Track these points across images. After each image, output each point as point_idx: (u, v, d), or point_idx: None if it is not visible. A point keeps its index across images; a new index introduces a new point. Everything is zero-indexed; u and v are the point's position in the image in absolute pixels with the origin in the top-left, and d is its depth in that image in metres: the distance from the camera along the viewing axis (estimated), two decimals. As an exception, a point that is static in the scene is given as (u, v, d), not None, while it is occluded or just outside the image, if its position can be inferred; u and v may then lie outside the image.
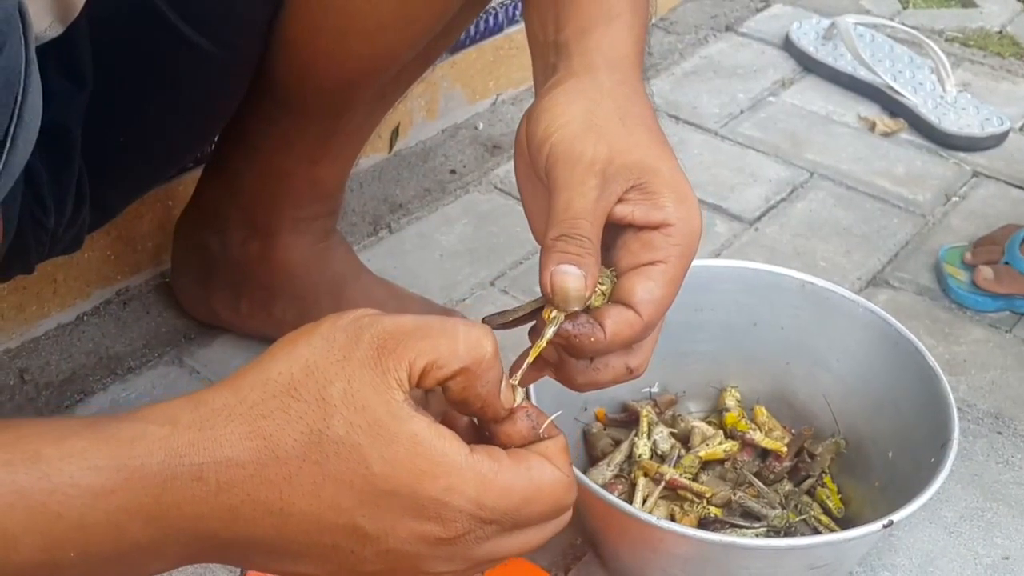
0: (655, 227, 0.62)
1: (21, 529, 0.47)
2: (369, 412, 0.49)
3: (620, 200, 0.62)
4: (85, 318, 1.13)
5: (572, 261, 0.60)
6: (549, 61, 0.69)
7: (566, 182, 0.62)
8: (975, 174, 1.43)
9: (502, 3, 1.44)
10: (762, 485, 0.93)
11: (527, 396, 0.57)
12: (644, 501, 0.91)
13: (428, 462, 0.49)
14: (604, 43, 0.68)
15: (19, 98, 0.51)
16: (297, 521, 0.49)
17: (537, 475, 0.52)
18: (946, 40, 1.73)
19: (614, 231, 0.64)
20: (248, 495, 0.49)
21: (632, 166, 0.62)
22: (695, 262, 0.96)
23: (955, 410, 0.86)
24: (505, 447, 0.54)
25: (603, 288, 0.61)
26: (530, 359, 0.61)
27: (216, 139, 1.05)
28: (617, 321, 0.61)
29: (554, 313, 0.60)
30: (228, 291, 1.08)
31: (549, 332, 0.60)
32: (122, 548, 0.49)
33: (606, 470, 0.93)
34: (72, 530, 0.48)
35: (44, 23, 0.73)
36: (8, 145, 0.51)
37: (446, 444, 0.50)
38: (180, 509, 0.48)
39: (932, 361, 0.90)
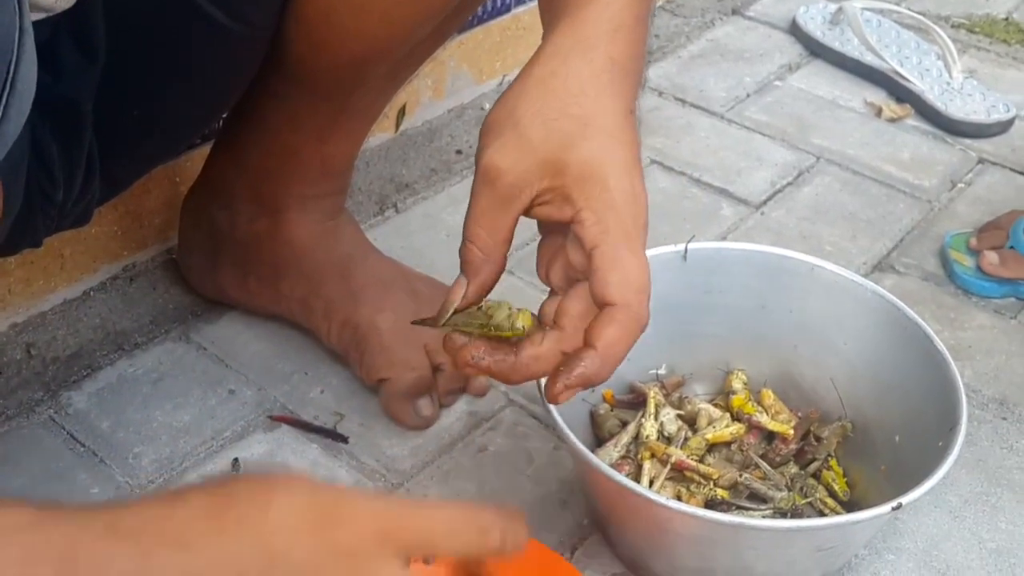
0: (571, 221, 0.64)
1: None
2: None
3: (540, 203, 0.64)
4: (92, 294, 1.13)
5: (462, 269, 0.66)
6: (544, 19, 0.72)
7: (471, 189, 0.66)
8: (981, 160, 1.43)
9: (510, -17, 1.44)
10: (768, 467, 0.94)
11: None
12: (651, 483, 0.91)
13: None
14: (559, 35, 0.68)
15: (12, 67, 0.51)
16: (205, 554, 0.48)
17: None
18: (952, 26, 1.73)
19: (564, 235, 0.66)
20: (156, 534, 0.48)
21: (533, 170, 0.64)
22: (704, 244, 0.98)
23: (963, 394, 0.86)
24: None
25: (519, 324, 0.66)
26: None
27: (226, 116, 1.05)
28: (604, 329, 0.63)
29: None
30: (235, 268, 1.08)
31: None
32: None
33: (613, 451, 0.94)
34: None
35: None
36: (1, 115, 0.51)
37: None
38: (89, 552, 0.47)
39: (940, 345, 0.90)
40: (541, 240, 0.71)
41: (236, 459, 0.97)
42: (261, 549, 0.48)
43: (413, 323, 0.74)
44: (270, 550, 0.48)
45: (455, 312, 0.68)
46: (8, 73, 0.50)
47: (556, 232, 0.69)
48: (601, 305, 0.63)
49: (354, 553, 0.49)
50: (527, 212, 0.67)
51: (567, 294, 0.68)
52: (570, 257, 0.67)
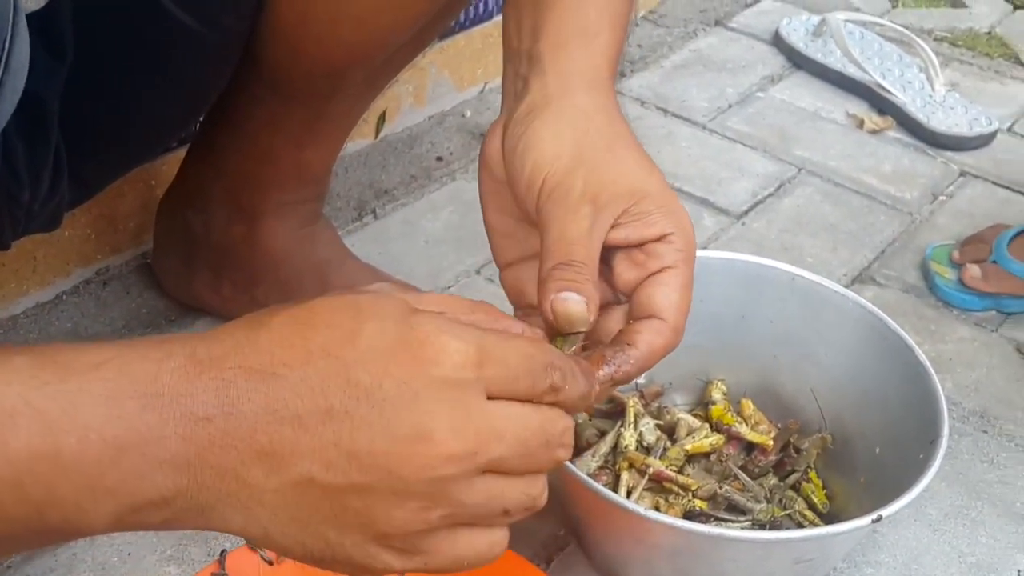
0: (654, 240, 0.63)
1: (18, 401, 0.45)
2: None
3: (613, 227, 0.63)
4: (64, 297, 1.11)
5: (571, 288, 0.60)
6: (520, 71, 0.69)
7: (559, 215, 0.62)
8: (962, 173, 1.43)
9: (492, -10, 1.43)
10: (748, 479, 0.93)
11: None
12: (629, 493, 0.90)
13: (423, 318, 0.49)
14: (581, 63, 0.67)
15: (7, 45, 0.50)
16: (289, 383, 0.47)
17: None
18: (935, 40, 1.73)
19: (610, 255, 0.64)
20: (239, 364, 0.47)
21: (623, 193, 0.63)
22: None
23: (945, 407, 0.85)
24: None
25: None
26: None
27: (202, 119, 1.04)
28: (647, 334, 0.62)
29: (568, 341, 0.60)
30: (210, 273, 1.07)
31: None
32: (120, 435, 0.46)
33: (591, 460, 0.92)
34: (67, 408, 0.46)
35: None
36: None
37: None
38: (175, 387, 0.47)
39: (922, 357, 0.89)
40: None
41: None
42: (348, 381, 0.47)
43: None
44: (358, 383, 0.47)
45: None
46: (3, 51, 0.50)
47: None
48: (648, 314, 0.63)
49: (448, 385, 0.48)
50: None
51: (608, 314, 0.66)
52: (618, 275, 0.65)
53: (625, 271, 0.64)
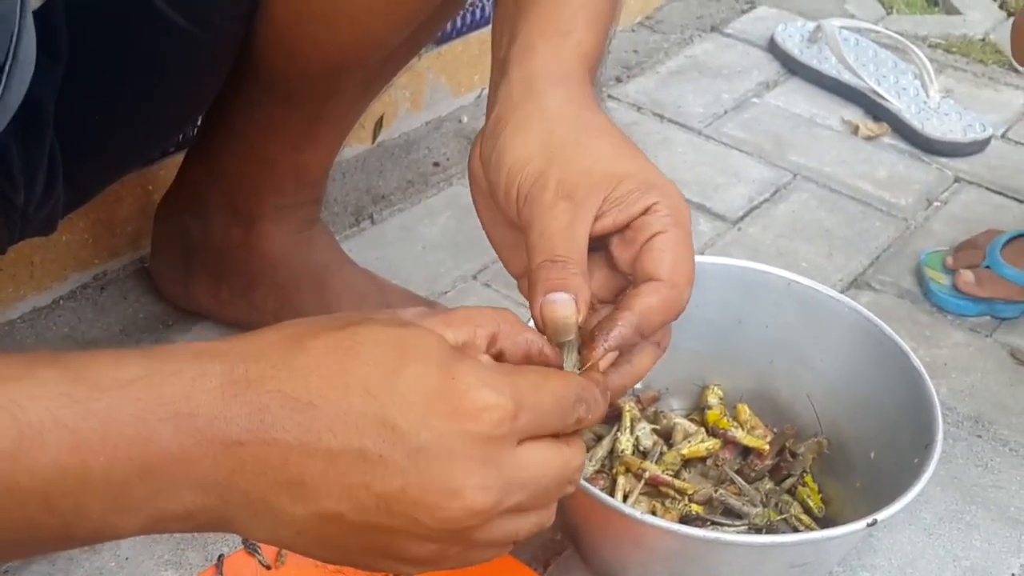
0: (641, 215, 0.62)
1: (47, 417, 0.45)
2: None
3: (598, 217, 0.62)
4: (61, 302, 1.12)
5: (558, 287, 0.59)
6: (495, 79, 0.69)
7: (538, 215, 0.62)
8: (957, 179, 1.44)
9: (488, -4, 1.44)
10: (744, 483, 0.93)
11: None
12: (625, 497, 0.90)
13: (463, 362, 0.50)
14: (547, 64, 0.67)
15: (14, 37, 0.51)
16: (325, 415, 0.47)
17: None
18: (929, 46, 1.74)
19: (605, 240, 0.64)
20: (277, 389, 0.47)
21: (599, 180, 0.63)
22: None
23: (939, 412, 0.85)
24: None
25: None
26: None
27: (199, 123, 1.04)
28: (642, 296, 0.60)
29: (569, 353, 0.59)
30: (208, 277, 1.07)
31: (569, 363, 0.59)
32: (150, 456, 0.46)
33: (588, 465, 0.93)
34: (98, 427, 0.46)
35: None
36: (3, 83, 0.50)
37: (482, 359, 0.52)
38: (209, 408, 0.47)
39: (917, 362, 0.90)
40: None
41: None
42: (384, 425, 0.47)
43: None
44: (395, 428, 0.47)
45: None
46: (11, 43, 0.50)
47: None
48: (646, 280, 0.61)
49: (484, 441, 0.48)
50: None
51: (594, 281, 0.65)
52: (616, 256, 0.64)
53: (621, 253, 0.63)
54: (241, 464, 0.47)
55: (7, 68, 0.50)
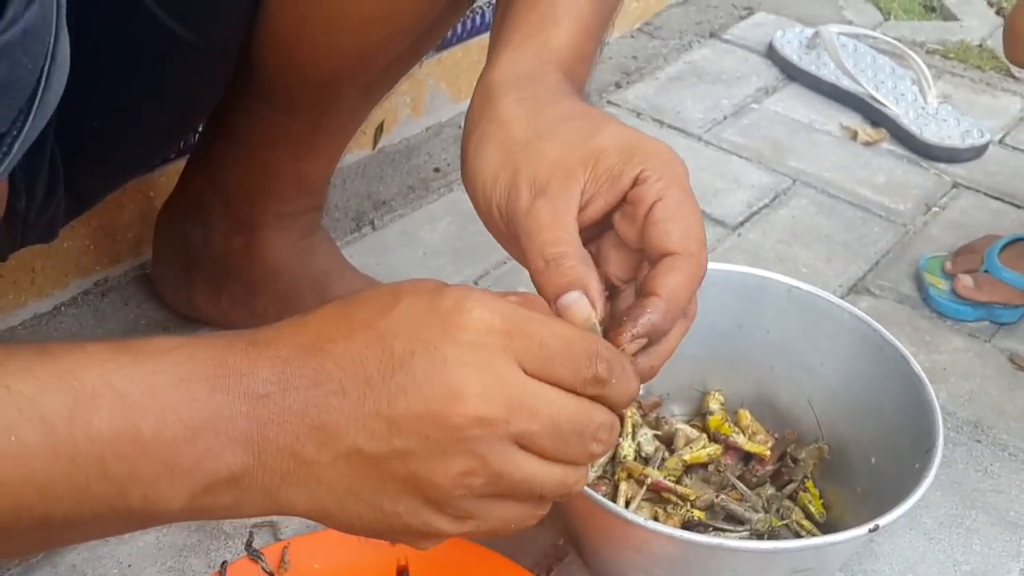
0: (632, 186, 0.61)
1: (99, 383, 0.48)
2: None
3: (588, 202, 0.61)
4: (63, 308, 1.12)
5: (564, 286, 0.59)
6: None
7: (521, 222, 0.61)
8: (955, 185, 1.44)
9: (489, 2, 1.44)
10: (745, 488, 0.93)
11: None
12: (627, 503, 0.91)
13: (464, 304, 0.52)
14: (503, 69, 0.67)
15: (52, 37, 0.51)
16: (332, 356, 0.50)
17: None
18: (927, 52, 1.75)
19: (609, 219, 0.63)
20: (291, 342, 0.51)
21: (573, 167, 0.61)
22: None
23: (940, 417, 0.86)
24: None
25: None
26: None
27: (200, 130, 1.04)
28: (663, 275, 0.59)
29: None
30: (209, 284, 1.07)
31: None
32: (194, 415, 0.49)
33: (590, 471, 0.93)
34: (145, 389, 0.49)
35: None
36: (43, 83, 0.52)
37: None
38: (237, 367, 0.50)
39: (917, 367, 0.90)
40: None
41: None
42: (383, 351, 0.50)
43: None
44: (392, 352, 0.50)
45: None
46: (49, 44, 0.51)
47: (590, 241, 0.65)
48: (660, 255, 0.60)
49: (475, 348, 0.50)
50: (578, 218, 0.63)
51: (610, 264, 0.64)
52: (622, 234, 0.63)
53: (626, 231, 0.62)
54: (269, 417, 0.50)
55: (46, 70, 0.52)
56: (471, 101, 0.69)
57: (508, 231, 0.63)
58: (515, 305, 0.52)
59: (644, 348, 0.60)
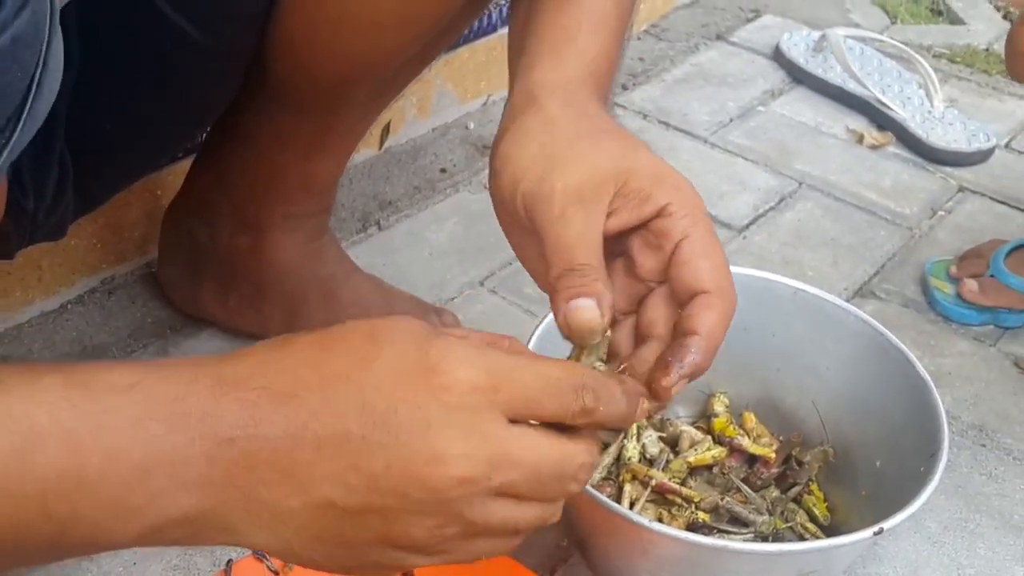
0: (655, 216, 0.62)
1: (47, 420, 0.46)
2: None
3: (609, 215, 0.62)
4: (69, 306, 1.12)
5: (580, 292, 0.59)
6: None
7: (549, 222, 0.62)
8: (961, 189, 1.44)
9: (496, 4, 1.44)
10: (750, 491, 0.93)
11: None
12: (631, 505, 0.91)
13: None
14: (547, 73, 0.67)
15: (45, 45, 0.51)
16: (308, 404, 0.48)
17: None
18: (934, 56, 1.75)
19: (626, 244, 0.63)
20: (262, 385, 0.49)
21: (606, 179, 0.62)
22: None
23: (945, 420, 0.86)
24: None
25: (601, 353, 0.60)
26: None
27: (208, 131, 1.04)
28: (701, 315, 0.60)
29: (590, 355, 0.59)
30: (216, 284, 1.07)
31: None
32: (146, 456, 0.47)
33: (595, 472, 0.93)
34: (95, 429, 0.47)
35: None
36: (34, 91, 0.51)
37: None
38: (201, 407, 0.48)
39: (922, 371, 0.90)
40: None
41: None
42: (364, 405, 0.48)
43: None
44: (373, 408, 0.48)
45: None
46: (41, 51, 0.51)
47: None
48: (691, 295, 0.61)
49: (460, 410, 0.49)
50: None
51: (647, 304, 0.64)
52: (639, 264, 0.63)
53: (645, 260, 0.63)
54: (234, 460, 0.48)
55: (37, 76, 0.51)
56: (509, 100, 0.68)
57: (526, 219, 0.63)
58: (499, 353, 0.51)
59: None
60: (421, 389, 0.49)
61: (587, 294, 0.59)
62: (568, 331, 0.59)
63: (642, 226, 0.62)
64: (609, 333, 0.60)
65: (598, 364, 0.60)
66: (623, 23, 0.73)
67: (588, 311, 0.59)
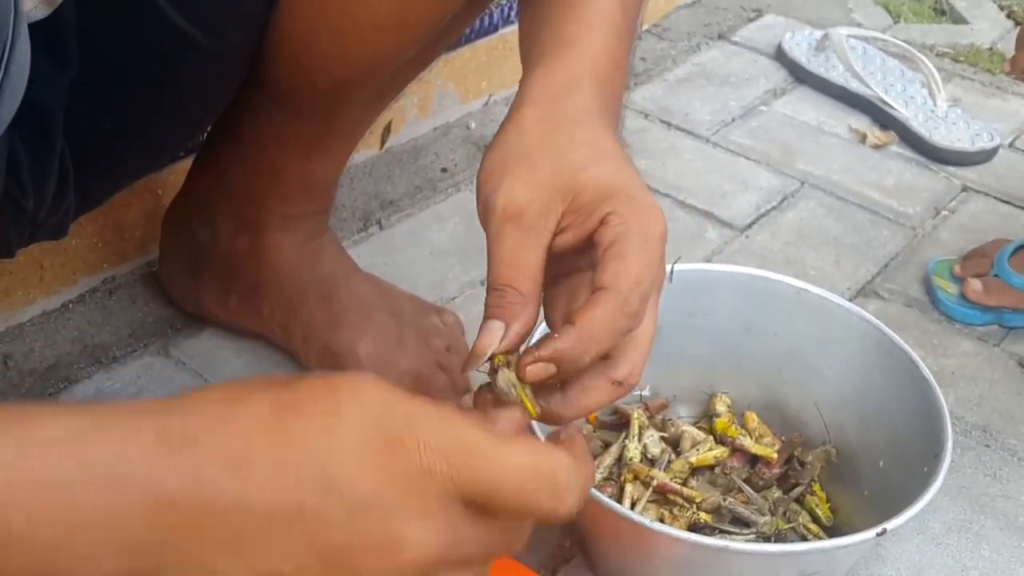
0: (598, 227, 0.61)
1: None
2: None
3: (562, 231, 0.61)
4: (70, 306, 1.12)
5: (495, 315, 0.59)
6: None
7: (490, 237, 0.61)
8: (965, 188, 1.44)
9: (497, 4, 1.44)
10: (752, 491, 0.93)
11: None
12: (633, 505, 0.90)
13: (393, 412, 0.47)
14: (543, 76, 0.67)
15: (7, 49, 0.50)
16: (262, 471, 0.45)
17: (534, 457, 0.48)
18: (937, 55, 1.74)
19: (588, 259, 0.63)
20: (212, 444, 0.45)
21: (553, 196, 0.61)
22: (690, 266, 0.98)
23: (948, 421, 0.85)
24: None
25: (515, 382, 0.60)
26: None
27: (208, 131, 1.04)
28: (587, 309, 0.59)
29: (502, 371, 0.59)
30: (216, 284, 1.07)
31: (500, 380, 0.59)
32: (74, 519, 0.44)
33: (596, 472, 0.93)
34: (24, 487, 0.43)
35: (30, 4, 0.71)
36: None
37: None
38: (139, 470, 0.44)
39: (926, 371, 0.90)
40: (548, 290, 0.66)
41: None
42: (322, 477, 0.45)
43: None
44: (332, 480, 0.45)
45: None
46: (3, 55, 0.50)
47: (566, 275, 0.66)
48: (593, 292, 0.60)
49: (419, 492, 0.46)
50: (550, 247, 0.63)
51: (577, 300, 0.64)
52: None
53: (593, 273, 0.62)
54: (175, 525, 0.45)
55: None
56: (521, 84, 0.68)
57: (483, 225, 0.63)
58: (465, 431, 0.48)
59: (559, 389, 0.61)
60: (380, 471, 0.46)
61: (498, 317, 0.59)
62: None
63: (589, 240, 0.62)
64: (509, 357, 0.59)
65: (511, 379, 0.59)
66: (631, 23, 0.73)
67: (488, 335, 0.59)
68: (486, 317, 0.60)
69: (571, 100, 0.66)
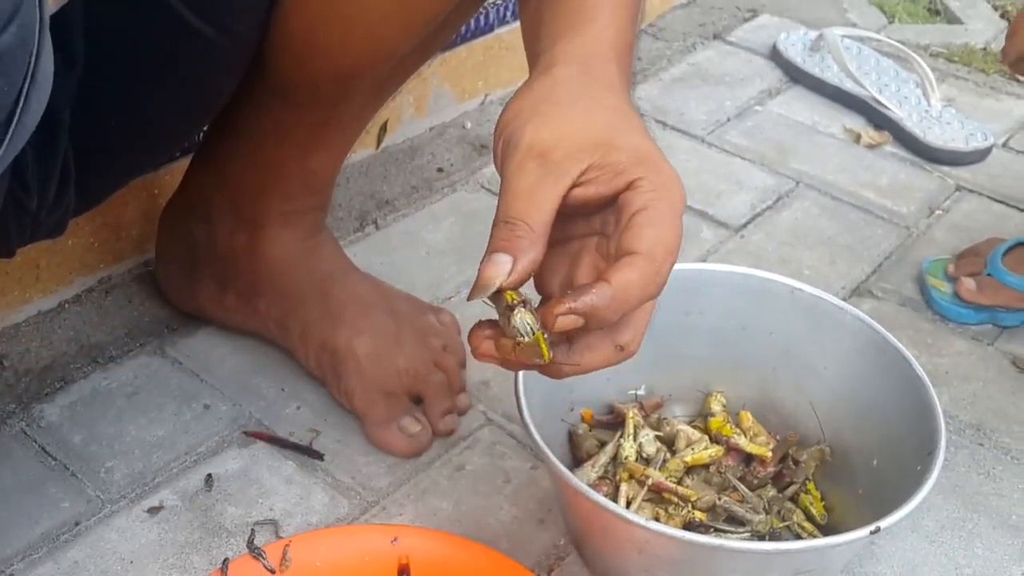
0: (625, 189, 0.61)
1: None
2: None
3: (578, 184, 0.61)
4: (67, 305, 1.12)
5: (503, 247, 0.59)
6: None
7: (508, 170, 0.61)
8: (958, 188, 1.44)
9: (493, 3, 1.44)
10: (746, 490, 0.93)
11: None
12: (628, 503, 0.91)
13: None
14: (568, 45, 0.67)
15: (33, 59, 0.51)
16: None
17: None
18: (931, 55, 1.75)
19: (601, 222, 0.63)
20: None
21: (584, 147, 0.61)
22: (686, 265, 0.98)
23: (942, 420, 0.86)
24: None
25: (531, 322, 0.59)
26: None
27: (205, 128, 1.04)
28: (622, 271, 0.59)
29: (520, 311, 0.58)
30: (213, 283, 1.07)
31: (517, 320, 0.58)
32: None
33: (591, 471, 0.93)
34: None
35: None
36: (21, 105, 0.51)
37: None
38: None
39: (920, 370, 0.90)
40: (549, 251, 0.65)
41: (209, 475, 0.95)
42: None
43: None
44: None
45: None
46: (29, 65, 0.50)
47: (566, 241, 0.66)
48: (623, 255, 0.60)
49: None
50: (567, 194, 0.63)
51: (580, 266, 0.64)
52: (610, 243, 0.63)
53: (611, 233, 0.62)
54: None
55: (25, 90, 0.51)
56: (543, 55, 0.69)
57: (500, 168, 0.63)
58: None
59: (570, 342, 0.60)
60: None
61: (508, 249, 0.58)
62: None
63: (611, 200, 0.62)
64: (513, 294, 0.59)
65: (528, 320, 0.59)
66: (637, 8, 0.73)
67: (494, 267, 0.58)
68: (491, 249, 0.59)
69: (600, 68, 0.67)
